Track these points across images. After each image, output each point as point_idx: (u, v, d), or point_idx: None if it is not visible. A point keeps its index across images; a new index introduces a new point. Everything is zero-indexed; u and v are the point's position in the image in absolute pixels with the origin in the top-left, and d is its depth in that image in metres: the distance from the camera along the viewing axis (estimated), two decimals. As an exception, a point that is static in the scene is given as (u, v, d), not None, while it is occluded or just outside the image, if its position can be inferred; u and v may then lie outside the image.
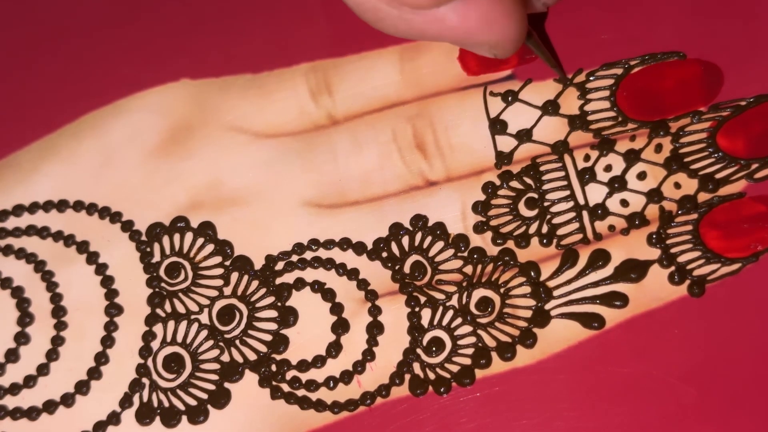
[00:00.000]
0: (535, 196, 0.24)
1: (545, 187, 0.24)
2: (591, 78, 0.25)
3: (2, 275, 0.25)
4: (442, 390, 0.22)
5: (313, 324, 0.23)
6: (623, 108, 0.24)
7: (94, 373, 0.23)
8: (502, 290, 0.23)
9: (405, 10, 0.17)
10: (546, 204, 0.24)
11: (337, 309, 0.23)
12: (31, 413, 0.23)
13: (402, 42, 0.26)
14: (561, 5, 0.26)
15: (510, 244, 0.23)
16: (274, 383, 0.23)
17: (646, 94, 0.25)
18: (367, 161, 0.25)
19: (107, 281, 0.24)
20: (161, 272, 0.24)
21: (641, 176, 0.24)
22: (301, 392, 0.23)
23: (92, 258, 0.25)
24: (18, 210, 0.26)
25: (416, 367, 0.23)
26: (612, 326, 0.22)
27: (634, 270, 0.23)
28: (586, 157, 0.24)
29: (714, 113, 0.24)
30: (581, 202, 0.24)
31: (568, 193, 0.24)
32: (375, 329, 0.23)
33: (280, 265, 0.24)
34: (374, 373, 0.23)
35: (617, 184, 0.24)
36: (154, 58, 0.27)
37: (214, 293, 0.24)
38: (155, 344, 0.24)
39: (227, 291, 0.24)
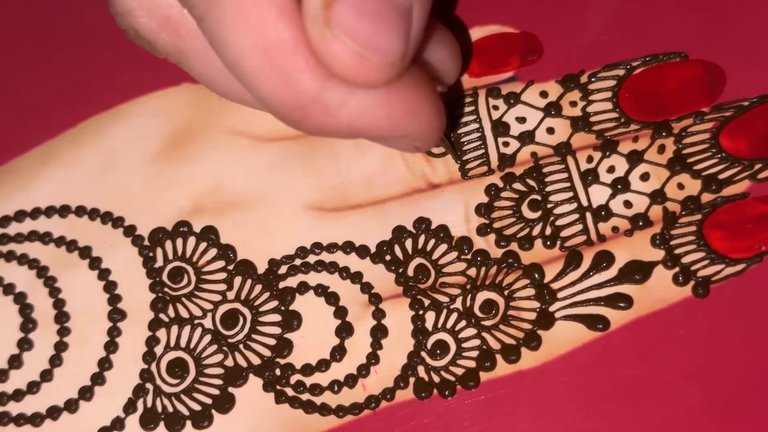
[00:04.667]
0: (539, 198, 0.24)
1: (548, 188, 0.24)
2: (593, 79, 0.25)
3: (5, 281, 0.25)
4: (446, 393, 0.22)
5: (317, 328, 0.23)
6: (626, 109, 0.24)
7: (98, 379, 0.23)
8: (506, 292, 0.23)
9: (331, 105, 0.17)
10: (549, 206, 0.24)
11: (340, 312, 0.23)
12: (35, 419, 0.23)
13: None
14: (562, 6, 0.26)
15: (513, 246, 0.23)
16: (278, 387, 0.23)
17: (649, 95, 0.24)
18: (370, 164, 0.25)
19: (110, 286, 0.24)
20: (164, 277, 0.24)
21: (644, 177, 0.24)
22: (305, 396, 0.23)
23: (95, 263, 0.25)
24: (20, 216, 0.25)
25: (421, 371, 0.23)
26: (616, 328, 0.22)
27: (638, 271, 0.23)
28: (589, 159, 0.24)
29: (717, 114, 0.24)
30: (584, 203, 0.24)
31: (571, 194, 0.24)
32: (379, 332, 0.23)
33: (283, 269, 0.24)
34: (378, 377, 0.23)
35: (620, 185, 0.24)
36: (155, 62, 0.26)
37: (218, 298, 0.24)
38: (159, 349, 0.24)
39: (230, 295, 0.24)
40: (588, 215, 0.24)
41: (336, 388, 0.23)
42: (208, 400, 0.23)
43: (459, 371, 0.22)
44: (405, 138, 0.19)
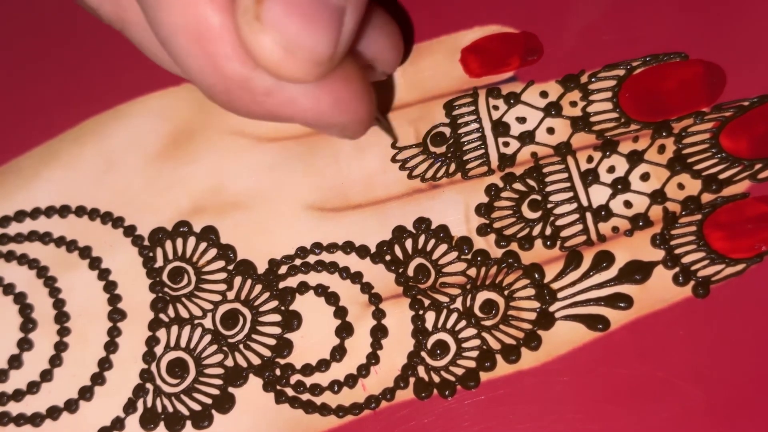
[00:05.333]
0: (539, 198, 0.24)
1: (548, 189, 0.24)
2: (593, 79, 0.25)
3: (5, 281, 0.25)
4: (446, 393, 0.22)
5: (317, 328, 0.23)
6: (626, 109, 0.24)
7: (98, 379, 0.23)
8: (506, 293, 0.23)
9: (258, 92, 0.17)
10: (549, 206, 0.24)
11: (340, 312, 0.23)
12: (35, 419, 0.23)
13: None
14: (562, 6, 0.26)
15: (513, 246, 0.23)
16: (278, 387, 0.23)
17: (649, 95, 0.24)
18: (370, 164, 0.25)
19: (110, 286, 0.24)
20: (164, 277, 0.24)
21: (644, 177, 0.24)
22: (305, 396, 0.23)
23: (95, 263, 0.25)
24: (20, 216, 0.25)
25: (421, 371, 0.22)
26: (617, 328, 0.22)
27: (638, 271, 0.23)
28: (589, 159, 0.24)
29: (717, 114, 0.24)
30: (585, 203, 0.24)
31: (571, 194, 0.24)
32: (379, 332, 0.23)
33: (283, 269, 0.24)
34: (379, 377, 0.23)
35: (620, 185, 0.24)
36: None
37: (218, 298, 0.24)
38: (159, 349, 0.24)
39: (231, 295, 0.24)
40: (588, 215, 0.24)
41: (336, 388, 0.23)
42: (208, 400, 0.23)
43: (459, 371, 0.22)
44: (333, 127, 0.19)
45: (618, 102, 0.25)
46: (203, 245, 0.25)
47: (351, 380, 0.23)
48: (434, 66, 0.26)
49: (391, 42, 0.21)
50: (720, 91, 0.24)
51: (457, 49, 0.26)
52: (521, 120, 0.25)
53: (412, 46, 0.26)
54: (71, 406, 0.23)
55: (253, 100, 0.17)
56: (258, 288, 0.24)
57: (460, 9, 0.26)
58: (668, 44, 0.25)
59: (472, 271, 0.23)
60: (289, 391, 0.23)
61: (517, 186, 0.24)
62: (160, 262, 0.24)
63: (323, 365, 0.23)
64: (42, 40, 0.28)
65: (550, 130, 0.25)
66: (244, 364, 0.23)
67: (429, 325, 0.23)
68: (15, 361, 0.24)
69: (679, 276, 0.23)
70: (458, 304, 0.23)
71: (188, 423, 0.23)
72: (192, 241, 0.25)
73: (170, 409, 0.23)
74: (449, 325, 0.23)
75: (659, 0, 0.26)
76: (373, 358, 0.23)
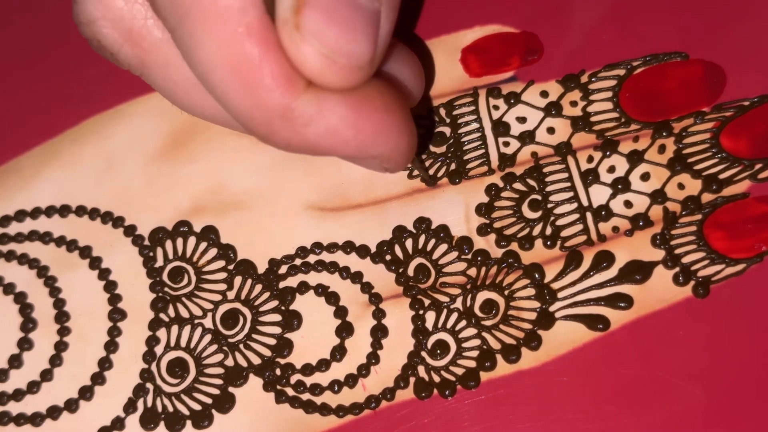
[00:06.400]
0: (539, 197, 0.24)
1: (549, 188, 0.24)
2: (593, 79, 0.25)
3: (5, 281, 0.25)
4: (446, 393, 0.22)
5: (317, 328, 0.23)
6: (626, 109, 0.24)
7: (98, 379, 0.23)
8: (506, 292, 0.23)
9: (298, 122, 0.17)
10: (549, 206, 0.24)
11: (341, 312, 0.23)
12: (35, 419, 0.23)
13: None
14: (562, 6, 0.26)
15: (514, 246, 0.23)
16: (278, 387, 0.23)
17: (649, 95, 0.24)
18: (370, 164, 0.25)
19: (110, 286, 0.24)
20: (164, 277, 0.24)
21: (645, 177, 0.24)
22: (305, 396, 0.23)
23: (95, 263, 0.25)
24: (20, 215, 0.25)
25: (421, 370, 0.22)
26: (617, 328, 0.22)
27: (638, 271, 0.23)
28: (590, 159, 0.24)
29: (717, 114, 0.24)
30: (585, 203, 0.24)
31: (571, 194, 0.24)
32: (379, 332, 0.23)
33: (283, 269, 0.24)
34: (379, 377, 0.23)
35: (621, 185, 0.24)
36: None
37: (218, 297, 0.24)
38: (159, 349, 0.24)
39: (231, 295, 0.24)
40: (588, 215, 0.24)
41: (336, 388, 0.23)
42: (209, 400, 0.23)
43: (459, 371, 0.22)
44: (373, 159, 0.19)
45: (618, 102, 0.25)
46: (203, 245, 0.25)
47: (351, 380, 0.23)
48: (435, 66, 0.26)
49: (413, 72, 0.21)
50: (720, 91, 0.24)
51: (457, 49, 0.26)
52: (521, 120, 0.25)
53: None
54: (71, 405, 0.23)
55: (294, 130, 0.17)
56: (258, 288, 0.24)
57: (460, 9, 0.26)
58: (669, 44, 0.25)
59: (473, 271, 0.23)
60: (290, 391, 0.23)
61: (518, 186, 0.24)
62: (160, 262, 0.24)
63: (323, 365, 0.23)
64: (42, 40, 0.28)
65: (551, 130, 0.25)
66: (245, 364, 0.23)
67: (429, 324, 0.23)
68: (15, 361, 0.24)
69: (679, 276, 0.23)
70: (458, 303, 0.23)
71: (188, 423, 0.23)
72: (192, 240, 0.25)
73: (170, 408, 0.23)
74: (449, 324, 0.23)
75: (660, 0, 0.26)
76: (373, 358, 0.23)
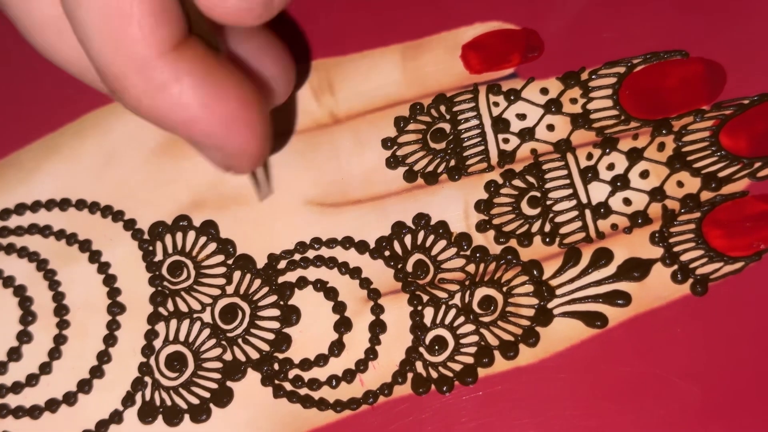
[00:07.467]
0: (538, 194, 0.24)
1: (548, 185, 0.24)
2: (593, 76, 0.25)
3: (5, 274, 0.25)
4: (444, 389, 0.22)
5: (316, 323, 0.23)
6: (626, 106, 0.24)
7: (97, 372, 0.23)
8: (504, 289, 0.23)
9: (153, 83, 0.16)
10: (549, 203, 0.24)
11: (339, 308, 0.23)
12: (34, 412, 0.23)
13: (404, 40, 0.26)
14: (563, 3, 0.26)
15: (513, 242, 0.23)
16: (276, 382, 0.23)
17: (649, 93, 0.24)
18: (370, 160, 0.25)
19: (110, 280, 0.24)
20: (164, 271, 0.24)
21: (644, 175, 0.24)
22: (303, 391, 0.23)
23: (94, 256, 0.25)
24: (20, 209, 0.26)
25: (419, 366, 0.23)
26: (615, 325, 0.22)
27: (636, 269, 0.23)
28: (589, 156, 0.24)
29: (717, 112, 0.24)
30: (584, 200, 0.24)
31: (570, 191, 0.24)
32: (377, 328, 0.23)
33: (282, 264, 0.24)
34: (377, 372, 0.23)
35: (620, 182, 0.24)
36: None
37: (217, 292, 0.24)
38: (158, 343, 0.24)
39: (230, 290, 0.24)
40: (587, 212, 0.24)
41: (334, 383, 0.23)
42: (207, 394, 0.23)
43: (457, 367, 0.22)
44: (219, 151, 0.18)
45: (618, 99, 0.25)
46: (203, 239, 0.25)
47: (349, 375, 0.23)
48: (435, 62, 0.26)
49: (282, 71, 0.21)
50: (720, 89, 0.24)
51: (457, 45, 0.26)
52: (521, 117, 0.25)
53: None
54: (70, 398, 0.23)
55: (146, 91, 0.16)
56: (257, 282, 0.24)
57: (461, 5, 0.26)
58: (669, 42, 0.25)
59: (471, 268, 0.23)
60: (287, 386, 0.23)
61: (517, 183, 0.24)
62: (159, 256, 0.25)
63: (321, 360, 0.23)
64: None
65: (550, 127, 0.25)
66: (243, 359, 0.23)
67: (427, 320, 0.23)
68: (14, 354, 0.24)
69: (677, 274, 0.23)
70: (457, 300, 0.23)
71: (186, 416, 0.23)
72: (192, 235, 0.25)
73: (168, 402, 0.23)
74: (448, 320, 0.23)
75: (660, -2, 0.26)
76: (371, 354, 0.23)
